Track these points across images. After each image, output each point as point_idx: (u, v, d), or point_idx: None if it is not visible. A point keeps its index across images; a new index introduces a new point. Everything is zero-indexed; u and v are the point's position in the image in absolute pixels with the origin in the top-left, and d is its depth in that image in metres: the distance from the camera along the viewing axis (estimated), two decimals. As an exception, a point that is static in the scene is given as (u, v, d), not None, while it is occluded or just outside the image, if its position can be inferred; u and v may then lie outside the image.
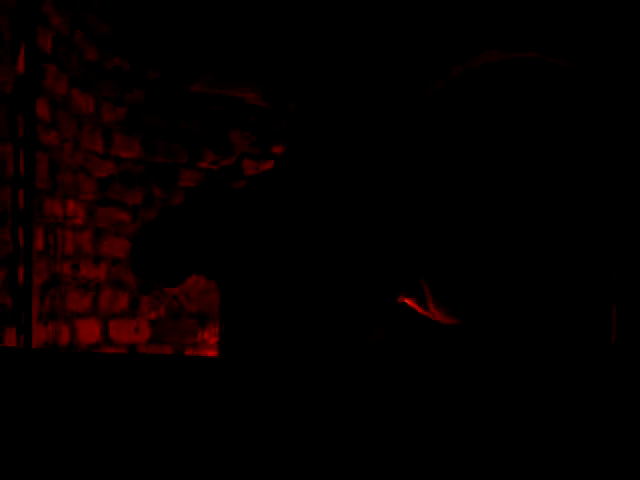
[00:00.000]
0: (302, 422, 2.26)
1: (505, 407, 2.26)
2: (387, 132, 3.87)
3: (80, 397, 2.31)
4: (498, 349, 3.60)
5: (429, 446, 2.24)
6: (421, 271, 3.74)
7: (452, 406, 2.26)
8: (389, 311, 3.81)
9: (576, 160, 3.75)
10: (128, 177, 4.60)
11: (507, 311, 3.74)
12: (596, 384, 2.27)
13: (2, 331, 3.33)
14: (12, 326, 3.41)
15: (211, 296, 4.44)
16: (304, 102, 4.56)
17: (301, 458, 2.24)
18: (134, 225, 4.59)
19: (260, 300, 3.63)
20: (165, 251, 3.71)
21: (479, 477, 2.23)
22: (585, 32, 3.81)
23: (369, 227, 3.69)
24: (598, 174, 3.74)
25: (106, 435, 2.28)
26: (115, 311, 4.56)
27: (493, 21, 3.89)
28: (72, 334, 4.16)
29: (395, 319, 3.86)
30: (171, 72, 4.66)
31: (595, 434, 2.23)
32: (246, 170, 4.83)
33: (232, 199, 3.80)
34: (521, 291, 3.73)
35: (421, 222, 3.75)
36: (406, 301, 3.83)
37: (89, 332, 4.36)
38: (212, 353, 4.71)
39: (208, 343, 4.79)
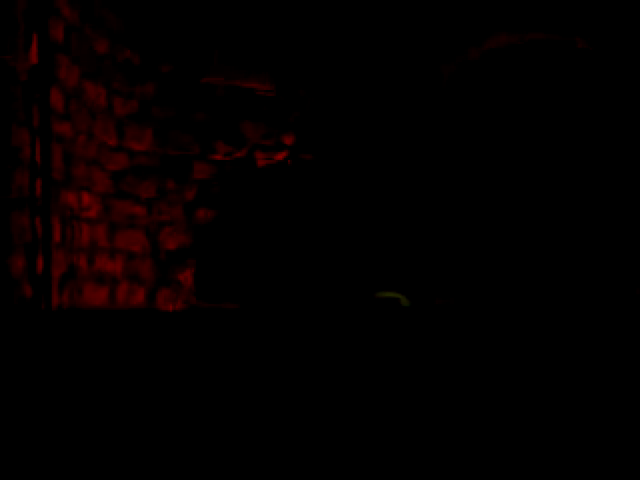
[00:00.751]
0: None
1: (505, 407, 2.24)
2: (402, 117, 3.85)
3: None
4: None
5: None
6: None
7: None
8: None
9: (589, 143, 3.73)
10: (141, 170, 4.59)
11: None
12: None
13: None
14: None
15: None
16: (316, 90, 4.54)
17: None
18: (149, 218, 4.57)
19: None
20: None
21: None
22: (604, 14, 3.79)
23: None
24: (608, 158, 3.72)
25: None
26: (132, 304, 4.54)
27: (507, 3, 3.88)
28: (90, 328, 4.14)
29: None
30: (182, 65, 4.65)
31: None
32: (258, 161, 4.81)
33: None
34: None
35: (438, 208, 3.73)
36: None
37: (106, 326, 4.34)
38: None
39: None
